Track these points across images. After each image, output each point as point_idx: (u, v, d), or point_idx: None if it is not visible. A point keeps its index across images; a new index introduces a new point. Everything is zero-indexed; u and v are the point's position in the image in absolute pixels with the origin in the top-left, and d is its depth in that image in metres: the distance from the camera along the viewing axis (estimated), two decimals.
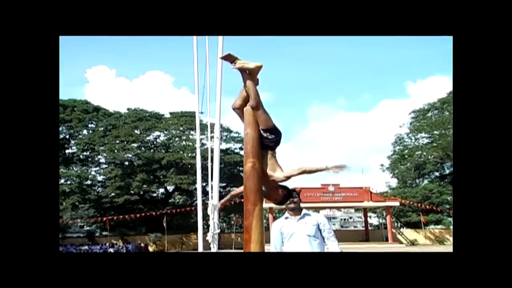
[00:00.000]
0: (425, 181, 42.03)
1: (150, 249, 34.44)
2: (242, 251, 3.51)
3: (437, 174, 41.91)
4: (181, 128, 40.11)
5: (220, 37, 3.88)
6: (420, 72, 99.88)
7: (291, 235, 3.99)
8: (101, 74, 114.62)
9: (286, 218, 4.14)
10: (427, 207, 34.46)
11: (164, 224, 31.94)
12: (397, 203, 34.33)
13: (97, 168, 41.23)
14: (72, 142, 41.22)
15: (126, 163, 39.10)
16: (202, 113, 4.34)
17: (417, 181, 42.58)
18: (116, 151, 38.15)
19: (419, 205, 34.77)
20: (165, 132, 40.84)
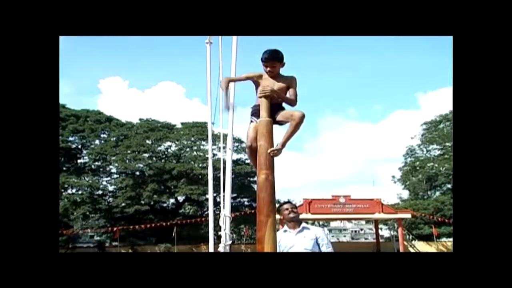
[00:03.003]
0: (437, 193, 41.54)
1: None
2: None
3: (449, 186, 41.34)
4: (192, 139, 40.26)
5: (234, 47, 3.90)
6: (431, 84, 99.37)
7: (289, 248, 3.96)
8: (114, 85, 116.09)
9: (285, 231, 4.13)
10: (439, 219, 34.01)
11: (174, 235, 31.94)
12: (408, 215, 33.90)
13: (108, 178, 41.45)
14: (84, 152, 41.56)
15: (137, 173, 39.27)
16: (213, 123, 4.35)
17: (429, 193, 42.11)
18: (127, 161, 38.34)
19: (431, 217, 34.33)
20: (176, 142, 41.00)
